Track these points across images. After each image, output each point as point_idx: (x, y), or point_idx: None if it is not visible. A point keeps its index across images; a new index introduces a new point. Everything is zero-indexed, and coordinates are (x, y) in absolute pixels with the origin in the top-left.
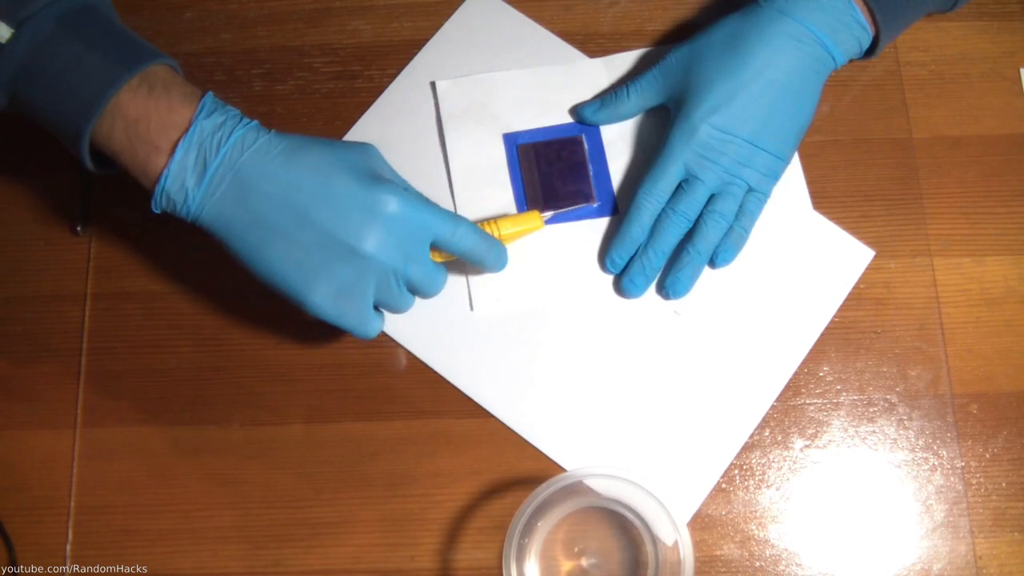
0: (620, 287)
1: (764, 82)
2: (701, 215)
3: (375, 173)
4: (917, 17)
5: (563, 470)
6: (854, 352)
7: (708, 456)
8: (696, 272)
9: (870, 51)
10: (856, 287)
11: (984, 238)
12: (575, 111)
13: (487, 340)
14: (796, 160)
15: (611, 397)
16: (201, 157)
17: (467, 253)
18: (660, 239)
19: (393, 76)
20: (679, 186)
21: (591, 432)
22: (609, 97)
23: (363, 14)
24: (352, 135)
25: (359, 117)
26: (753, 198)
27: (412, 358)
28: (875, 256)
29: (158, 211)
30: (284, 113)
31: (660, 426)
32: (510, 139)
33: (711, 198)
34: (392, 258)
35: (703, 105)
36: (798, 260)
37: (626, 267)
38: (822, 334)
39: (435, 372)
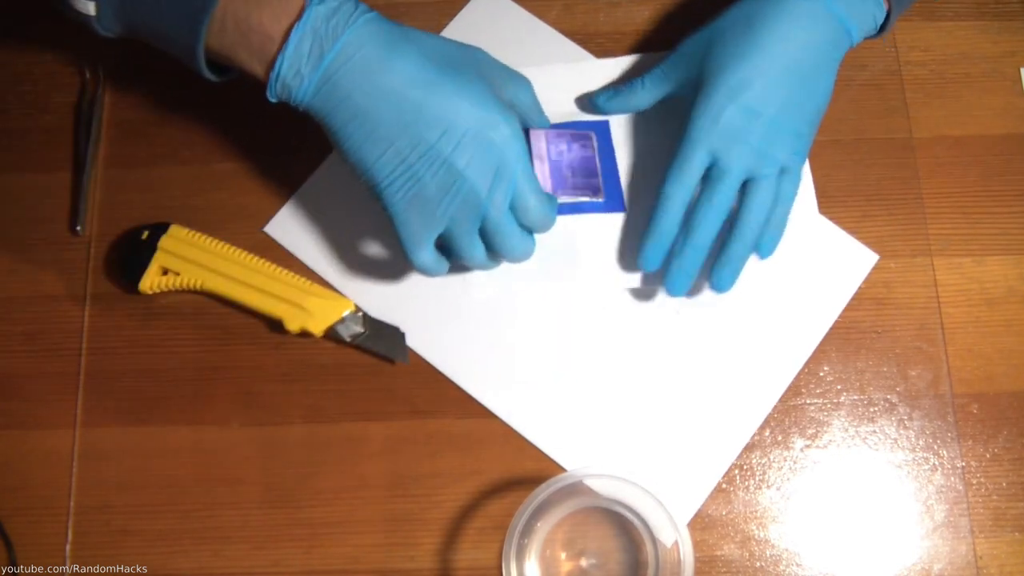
0: (665, 288)
1: (784, 60)
2: (740, 207)
3: (491, 96)
4: None
5: (563, 470)
6: (854, 352)
7: (709, 456)
8: (742, 264)
9: (882, 27)
10: (856, 287)
11: (984, 238)
12: (587, 98)
13: (489, 339)
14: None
15: (612, 397)
16: (318, 44)
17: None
18: (698, 234)
19: None
20: (706, 175)
21: (591, 432)
22: (623, 86)
23: None
24: None
25: None
26: (786, 180)
27: (413, 357)
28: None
29: (274, 100)
30: (284, 113)
31: (661, 426)
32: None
33: (745, 185)
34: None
35: (725, 86)
36: (802, 263)
37: (666, 267)
38: (824, 335)
39: (435, 372)
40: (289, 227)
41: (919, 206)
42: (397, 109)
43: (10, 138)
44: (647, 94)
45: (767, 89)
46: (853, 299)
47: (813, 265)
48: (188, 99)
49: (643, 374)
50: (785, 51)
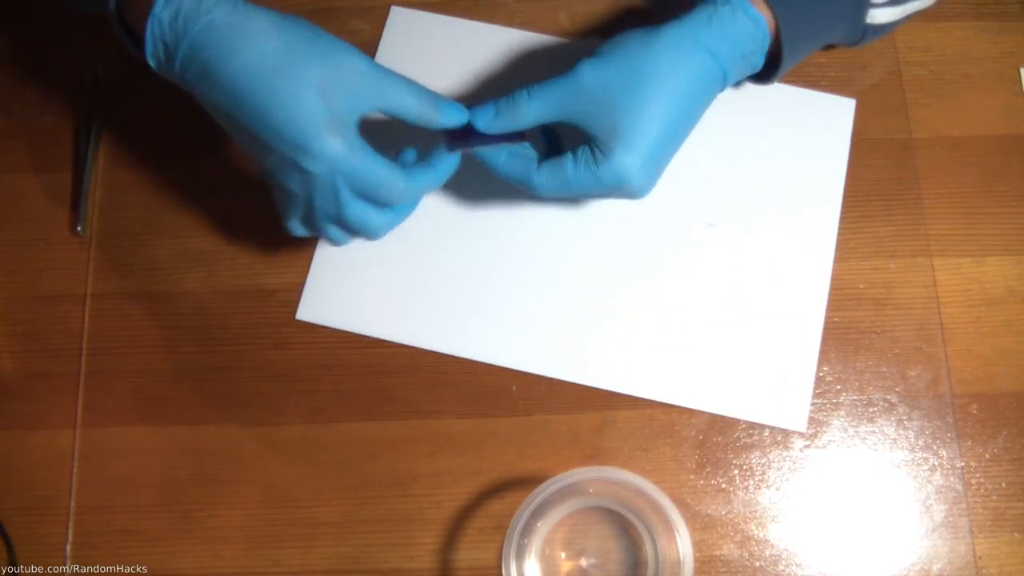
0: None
1: (670, 117)
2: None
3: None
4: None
5: (563, 470)
6: (854, 352)
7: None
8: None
9: (767, 76)
10: (856, 287)
11: (984, 238)
12: (466, 113)
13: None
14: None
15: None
16: (182, 19)
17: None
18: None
19: None
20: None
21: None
22: (505, 102)
23: (363, 14)
24: None
25: None
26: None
27: (412, 358)
28: (875, 256)
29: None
30: None
31: (726, 343)
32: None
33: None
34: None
35: (621, 147)
36: (788, 131)
37: None
38: (822, 334)
39: (435, 372)
40: (319, 304)
41: (919, 206)
42: (236, 110)
43: (11, 138)
44: (532, 112)
45: (648, 144)
46: (853, 299)
47: (800, 131)
48: (188, 99)
49: (683, 299)
50: (673, 108)
